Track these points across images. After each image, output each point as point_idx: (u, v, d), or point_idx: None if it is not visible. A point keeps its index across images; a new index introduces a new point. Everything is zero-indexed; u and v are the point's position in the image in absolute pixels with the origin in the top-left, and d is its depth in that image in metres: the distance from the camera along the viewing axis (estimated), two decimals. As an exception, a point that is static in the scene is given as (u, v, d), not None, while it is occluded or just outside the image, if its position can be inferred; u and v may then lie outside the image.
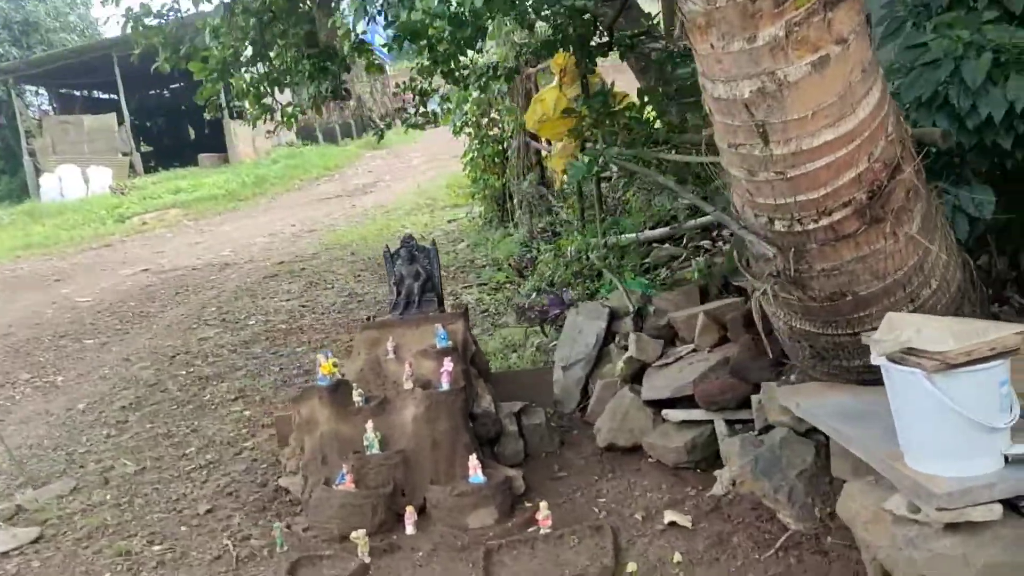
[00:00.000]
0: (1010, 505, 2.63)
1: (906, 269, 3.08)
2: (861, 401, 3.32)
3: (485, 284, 8.78)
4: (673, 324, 4.99)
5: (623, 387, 4.80)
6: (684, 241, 7.26)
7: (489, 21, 4.91)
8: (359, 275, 10.32)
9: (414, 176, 19.66)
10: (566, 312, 5.98)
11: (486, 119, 10.32)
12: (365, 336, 4.84)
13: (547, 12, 5.14)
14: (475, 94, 8.73)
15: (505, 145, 10.16)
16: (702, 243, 7.17)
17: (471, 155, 10.92)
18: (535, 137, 9.89)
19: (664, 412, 4.42)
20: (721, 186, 4.32)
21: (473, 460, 4.20)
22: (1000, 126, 3.32)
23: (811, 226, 2.95)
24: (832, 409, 3.34)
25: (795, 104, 2.72)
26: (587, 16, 5.35)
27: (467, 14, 4.55)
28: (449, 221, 12.96)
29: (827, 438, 3.61)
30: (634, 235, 6.87)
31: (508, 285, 8.17)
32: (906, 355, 2.65)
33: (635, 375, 4.81)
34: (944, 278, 3.22)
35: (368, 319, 5.18)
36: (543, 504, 4.00)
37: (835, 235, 2.96)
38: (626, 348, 5.08)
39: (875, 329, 3.13)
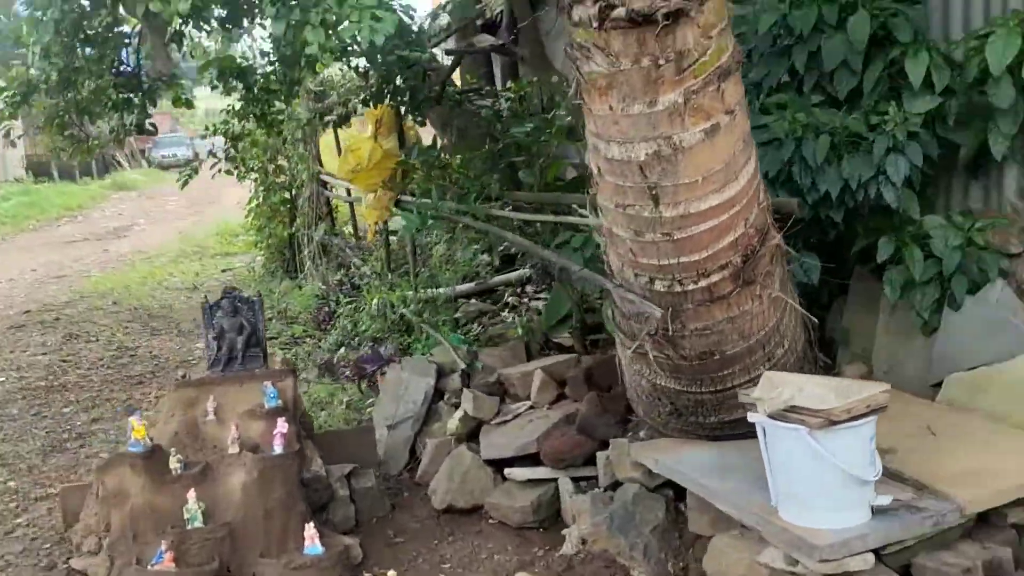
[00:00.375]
0: (877, 554, 2.81)
1: (767, 329, 3.25)
2: (721, 456, 3.44)
3: (275, 338, 8.32)
4: (504, 381, 4.97)
5: (459, 446, 4.68)
6: (493, 296, 7.35)
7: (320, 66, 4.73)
8: (126, 327, 9.43)
9: (172, 221, 18.45)
10: (384, 368, 5.78)
11: (273, 165, 9.90)
12: (179, 396, 4.38)
13: (379, 62, 5.04)
14: (274, 139, 8.37)
15: (294, 193, 9.79)
16: (509, 299, 7.29)
17: (255, 202, 10.41)
18: (326, 186, 9.65)
19: (507, 471, 4.35)
20: (562, 243, 4.40)
21: (310, 529, 3.89)
22: (835, 201, 3.63)
23: (690, 287, 3.05)
24: (693, 465, 3.43)
25: (687, 169, 2.81)
26: (416, 67, 5.30)
27: (302, 57, 4.35)
28: (223, 270, 12.23)
29: (676, 494, 3.71)
30: (449, 289, 6.83)
31: (308, 340, 7.80)
32: (789, 413, 2.78)
33: (471, 433, 4.71)
34: (793, 338, 3.44)
35: (183, 376, 4.71)
36: (391, 573, 3.78)
37: (711, 296, 3.07)
38: (457, 406, 4.98)
39: (737, 386, 3.28)
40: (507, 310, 7.20)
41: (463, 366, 5.29)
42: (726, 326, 3.15)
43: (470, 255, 7.49)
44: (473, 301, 7.08)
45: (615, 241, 3.13)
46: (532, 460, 4.29)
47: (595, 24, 2.63)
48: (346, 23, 3.42)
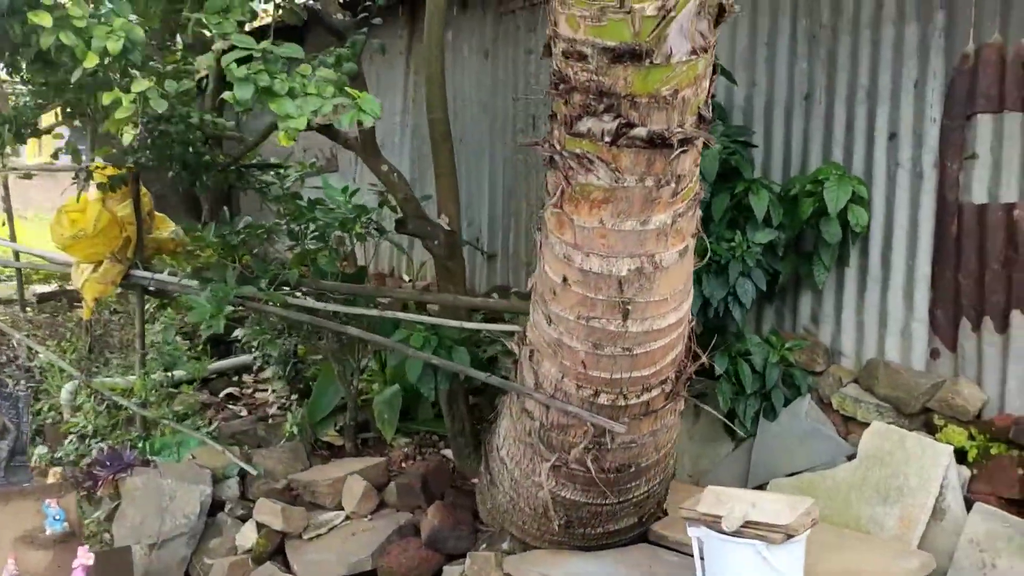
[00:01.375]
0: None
1: (672, 442, 3.37)
2: (610, 568, 3.44)
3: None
4: (299, 488, 4.49)
5: (260, 566, 4.10)
6: (210, 385, 6.61)
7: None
8: None
9: None
10: (123, 473, 4.87)
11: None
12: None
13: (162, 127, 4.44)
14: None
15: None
16: (230, 390, 6.62)
17: None
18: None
19: (338, 593, 3.91)
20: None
21: None
22: (696, 316, 3.90)
23: (632, 401, 3.07)
24: (588, 577, 3.39)
25: (661, 286, 2.87)
26: (199, 135, 4.73)
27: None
28: None
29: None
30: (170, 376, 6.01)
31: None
32: (745, 528, 2.89)
33: (275, 550, 4.16)
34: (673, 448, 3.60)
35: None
36: None
37: (646, 410, 3.12)
38: (244, 518, 4.38)
39: (634, 497, 3.35)
40: (233, 402, 6.56)
41: (237, 471, 4.68)
42: (648, 439, 3.22)
43: (170, 338, 6.71)
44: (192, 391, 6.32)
45: (561, 352, 3.05)
46: (367, 579, 3.91)
47: (607, 139, 2.61)
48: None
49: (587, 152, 2.69)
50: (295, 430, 5.21)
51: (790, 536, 2.86)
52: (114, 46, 2.96)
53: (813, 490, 3.93)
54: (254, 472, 4.65)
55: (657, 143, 2.61)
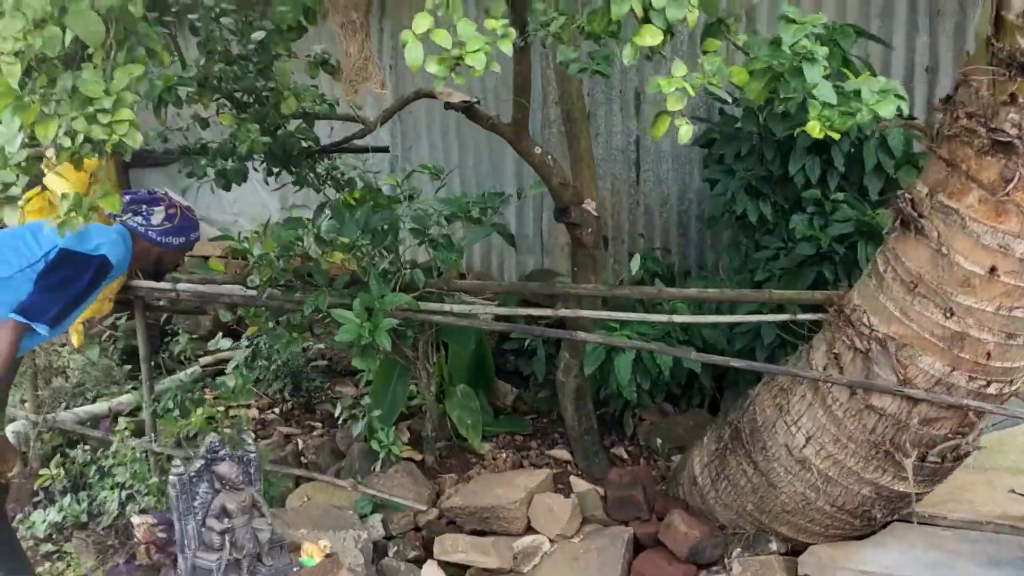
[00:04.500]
0: None
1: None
2: (914, 551, 3.43)
3: None
4: (455, 515, 3.92)
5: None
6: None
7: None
8: None
9: None
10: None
11: None
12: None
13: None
14: None
15: None
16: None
17: None
18: None
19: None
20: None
21: None
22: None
23: (1008, 389, 3.09)
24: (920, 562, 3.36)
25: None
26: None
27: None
28: None
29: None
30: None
31: None
32: None
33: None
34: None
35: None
36: None
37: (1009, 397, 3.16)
38: (417, 561, 3.74)
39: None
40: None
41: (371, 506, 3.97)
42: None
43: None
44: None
45: (959, 345, 2.96)
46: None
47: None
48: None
49: None
50: (378, 447, 4.42)
51: None
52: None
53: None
54: (404, 503, 3.98)
55: None
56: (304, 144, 4.08)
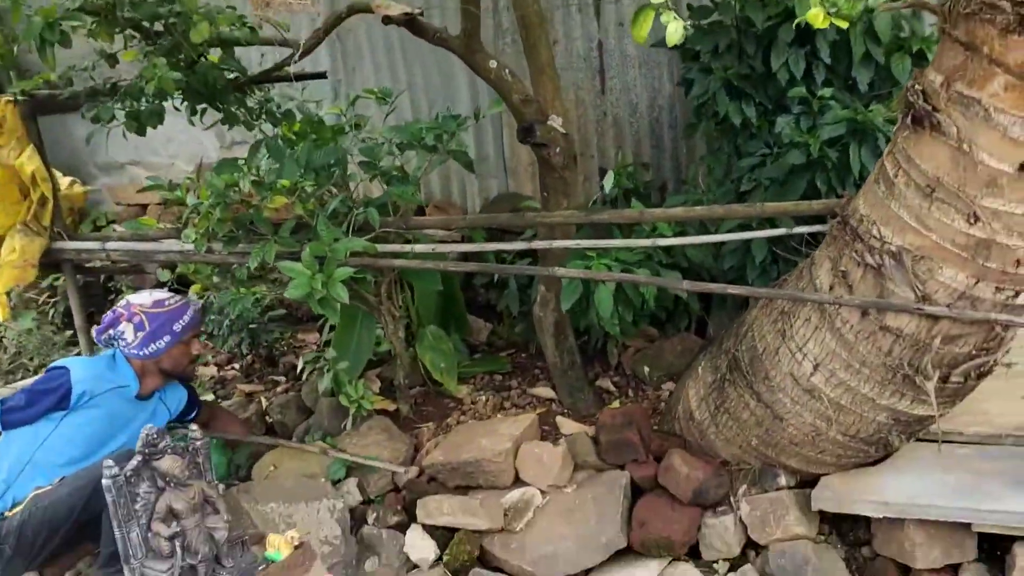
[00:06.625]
0: None
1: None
2: (932, 473, 3.19)
3: None
4: (437, 472, 3.61)
5: (478, 578, 3.26)
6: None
7: None
8: None
9: None
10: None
11: None
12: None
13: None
14: None
15: None
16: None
17: None
18: None
19: None
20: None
21: None
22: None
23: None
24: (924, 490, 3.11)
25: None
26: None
27: None
28: None
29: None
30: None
31: None
32: None
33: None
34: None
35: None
36: None
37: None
38: (400, 527, 3.43)
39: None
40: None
41: (345, 470, 3.64)
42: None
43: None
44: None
45: (984, 254, 2.63)
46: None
47: None
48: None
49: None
50: (347, 401, 4.07)
51: None
52: None
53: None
54: (381, 466, 3.66)
55: None
56: (229, 76, 3.60)
